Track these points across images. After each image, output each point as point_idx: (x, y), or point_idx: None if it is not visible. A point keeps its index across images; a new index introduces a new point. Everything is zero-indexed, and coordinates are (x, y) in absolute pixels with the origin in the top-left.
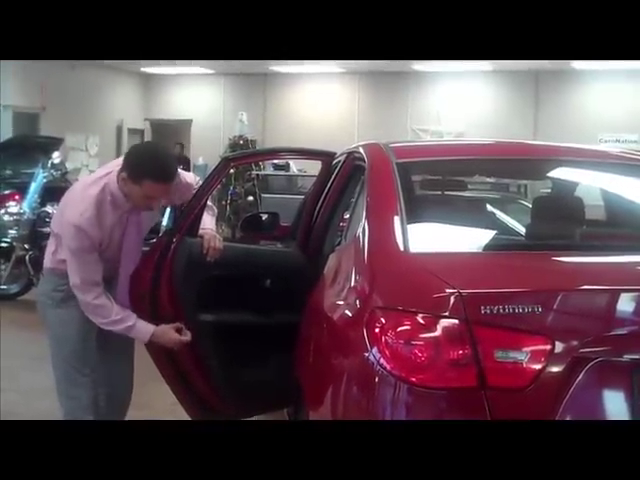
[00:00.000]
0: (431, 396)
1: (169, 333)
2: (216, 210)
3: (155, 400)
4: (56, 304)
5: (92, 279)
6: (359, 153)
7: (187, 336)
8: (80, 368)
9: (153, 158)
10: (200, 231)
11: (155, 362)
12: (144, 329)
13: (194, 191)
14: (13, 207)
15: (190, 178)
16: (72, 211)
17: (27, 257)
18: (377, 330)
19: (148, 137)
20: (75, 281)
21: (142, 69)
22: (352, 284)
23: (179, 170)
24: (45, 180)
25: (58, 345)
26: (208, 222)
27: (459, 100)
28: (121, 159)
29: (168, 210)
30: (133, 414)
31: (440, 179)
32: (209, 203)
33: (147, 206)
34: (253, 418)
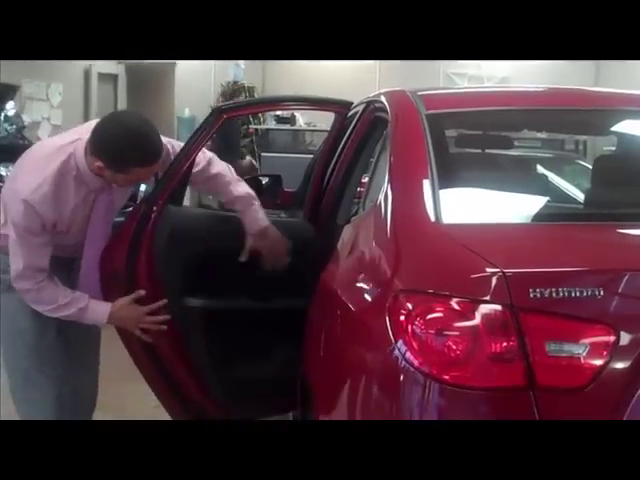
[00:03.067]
0: (468, 397)
1: (129, 307)
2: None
3: (133, 402)
4: (6, 288)
5: (37, 265)
6: (381, 103)
7: (156, 312)
8: (38, 365)
9: (135, 144)
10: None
11: (133, 357)
12: (99, 308)
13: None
14: None
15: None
16: (25, 183)
17: None
18: (402, 318)
19: (122, 84)
20: (17, 267)
21: None
22: (372, 262)
23: (166, 139)
24: None
25: (11, 338)
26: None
27: None
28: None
29: None
30: (107, 419)
31: (480, 134)
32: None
33: (132, 185)
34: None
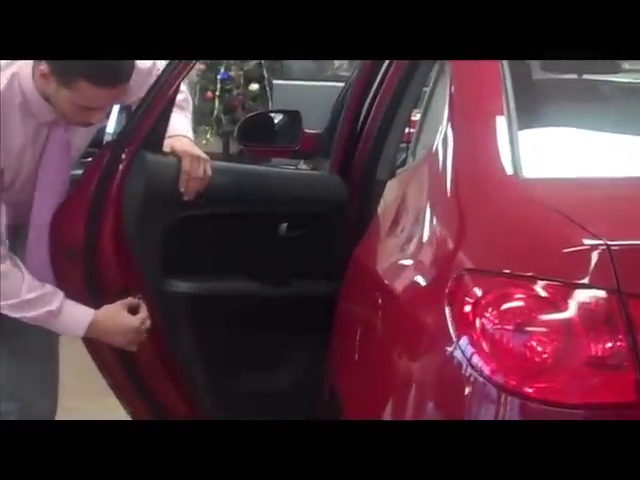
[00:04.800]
0: (559, 418)
1: (121, 317)
2: (190, 101)
3: None
4: None
5: None
6: None
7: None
8: None
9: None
10: (168, 140)
11: (97, 364)
12: (77, 315)
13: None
14: None
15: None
16: None
17: None
18: (468, 308)
19: None
20: None
21: None
22: (426, 231)
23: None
24: None
25: None
26: (181, 124)
27: None
28: None
29: (116, 109)
30: None
31: None
32: (183, 89)
33: (83, 121)
34: None
